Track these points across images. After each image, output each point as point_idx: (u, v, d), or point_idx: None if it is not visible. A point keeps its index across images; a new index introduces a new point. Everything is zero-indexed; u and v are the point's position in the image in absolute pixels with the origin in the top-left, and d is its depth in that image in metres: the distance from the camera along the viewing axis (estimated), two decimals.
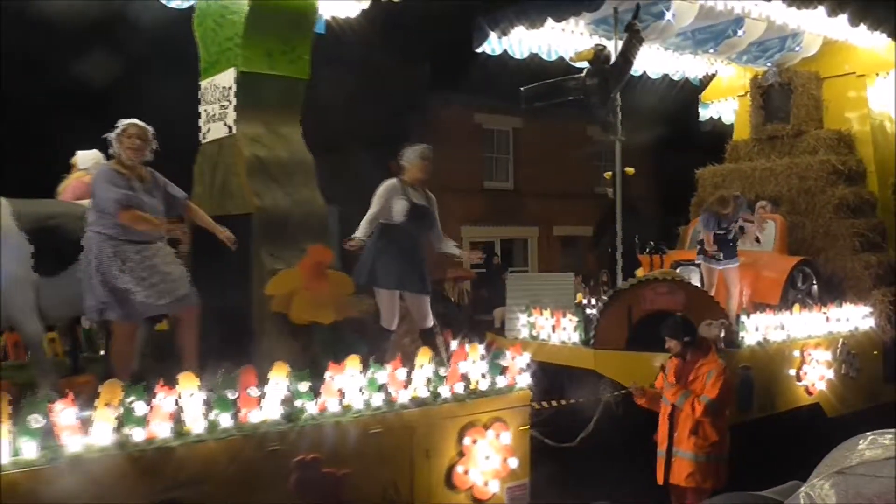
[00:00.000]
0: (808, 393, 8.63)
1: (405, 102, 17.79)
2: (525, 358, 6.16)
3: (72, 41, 14.71)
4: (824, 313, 8.98)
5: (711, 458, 5.82)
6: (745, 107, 11.72)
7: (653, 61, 11.54)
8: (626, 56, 8.72)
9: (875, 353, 9.60)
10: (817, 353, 8.69)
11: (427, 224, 6.31)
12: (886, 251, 10.23)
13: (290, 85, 6.40)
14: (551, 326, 8.62)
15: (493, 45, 9.97)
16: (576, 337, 8.37)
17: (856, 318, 9.40)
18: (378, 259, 6.28)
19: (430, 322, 6.53)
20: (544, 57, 10.44)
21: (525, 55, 10.34)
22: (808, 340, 8.66)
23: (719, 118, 12.74)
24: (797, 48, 10.63)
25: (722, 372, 5.94)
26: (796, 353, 8.53)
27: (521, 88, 9.11)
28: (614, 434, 7.84)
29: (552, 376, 9.35)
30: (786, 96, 11.00)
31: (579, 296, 10.46)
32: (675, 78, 12.06)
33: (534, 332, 8.82)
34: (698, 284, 9.75)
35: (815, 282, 9.87)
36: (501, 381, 5.97)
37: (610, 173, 10.78)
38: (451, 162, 19.06)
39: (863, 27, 9.62)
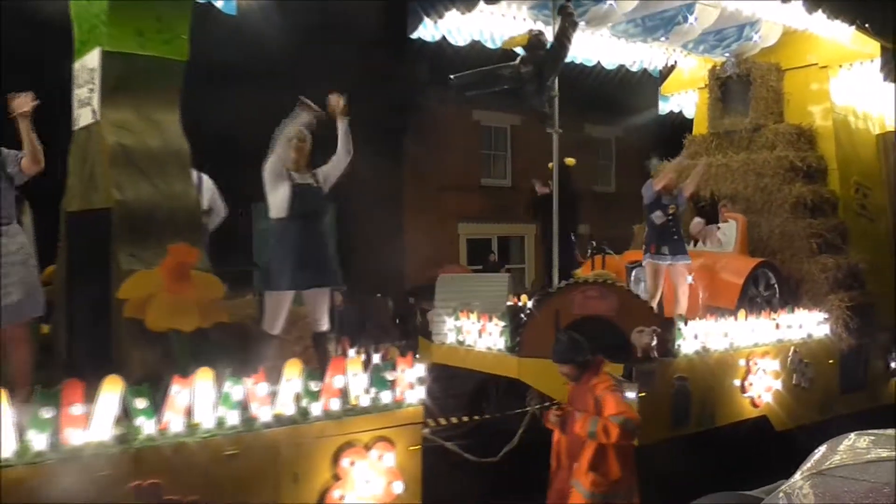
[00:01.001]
0: (754, 405, 8.05)
1: (402, 97, 17.38)
2: (418, 370, 5.59)
3: None
4: (774, 319, 8.39)
5: (609, 498, 5.10)
6: (704, 99, 11.12)
7: (607, 51, 10.95)
8: (561, 41, 8.13)
9: (830, 362, 9.02)
10: (764, 363, 8.11)
11: (321, 207, 5.72)
12: (846, 253, 9.64)
13: (165, 66, 5.79)
14: (478, 331, 8.03)
15: (429, 30, 9.35)
16: (501, 343, 7.79)
17: (810, 324, 8.81)
18: (273, 258, 5.72)
19: (325, 325, 5.93)
20: (487, 44, 9.84)
21: (465, 42, 9.73)
22: (755, 349, 8.08)
23: (681, 111, 12.14)
24: (756, 37, 10.03)
25: (614, 388, 5.32)
26: (742, 363, 7.96)
27: (452, 76, 8.51)
28: (541, 448, 7.30)
29: (481, 385, 8.86)
30: (744, 88, 10.41)
31: (524, 298, 9.87)
32: (633, 69, 11.48)
33: (460, 338, 8.24)
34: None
35: (776, 285, 9.30)
36: (388, 397, 5.41)
37: (572, 160, 10.20)
38: (448, 159, 18.90)
39: (821, 15, 9.02)
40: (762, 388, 8.06)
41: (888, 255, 10.49)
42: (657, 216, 8.49)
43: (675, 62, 11.51)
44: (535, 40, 8.26)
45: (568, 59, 10.75)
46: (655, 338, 7.17)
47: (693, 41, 10.35)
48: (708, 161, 10.27)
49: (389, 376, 5.40)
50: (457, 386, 8.92)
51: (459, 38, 9.66)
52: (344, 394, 5.21)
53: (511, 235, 20.67)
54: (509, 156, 20.69)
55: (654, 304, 8.53)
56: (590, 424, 5.17)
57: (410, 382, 5.51)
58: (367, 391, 5.26)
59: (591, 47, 10.78)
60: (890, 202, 10.61)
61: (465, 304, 8.47)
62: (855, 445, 2.69)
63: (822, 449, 2.79)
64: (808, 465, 2.65)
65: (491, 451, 7.20)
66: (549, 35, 8.49)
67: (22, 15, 9.58)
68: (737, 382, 7.93)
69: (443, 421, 6.76)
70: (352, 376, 5.26)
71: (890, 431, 3.41)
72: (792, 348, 8.50)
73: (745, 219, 9.70)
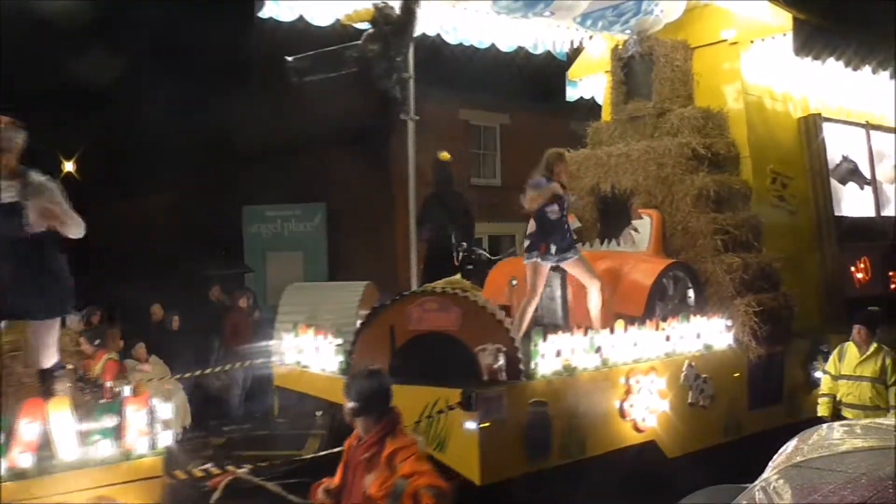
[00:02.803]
0: (637, 430, 6.96)
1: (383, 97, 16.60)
2: (162, 410, 4.50)
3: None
4: (662, 330, 7.31)
5: None
6: (610, 84, 10.03)
7: (503, 32, 9.90)
8: (405, 10, 7.04)
9: (736, 375, 7.95)
10: (649, 381, 7.02)
11: (15, 221, 4.60)
12: (759, 251, 8.56)
13: None
14: (313, 350, 6.96)
15: (280, 9, 8.24)
16: (336, 364, 6.71)
17: (710, 333, 7.74)
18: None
19: (48, 361, 4.82)
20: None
21: (328, 23, 8.62)
22: (638, 365, 7.00)
23: (592, 98, 11.07)
24: (656, 11, 8.98)
25: (421, 456, 4.10)
26: (622, 381, 6.88)
27: (288, 59, 7.41)
28: None
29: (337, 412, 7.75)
30: (648, 69, 9.32)
31: None
32: (535, 52, 10.41)
33: (299, 357, 7.16)
34: (558, 292, 8.19)
35: (690, 289, 8.22)
36: (108, 447, 4.33)
37: (447, 154, 9.10)
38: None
39: None
40: (646, 410, 6.97)
41: (811, 250, 9.44)
42: (552, 211, 7.42)
43: (581, 43, 10.46)
44: (380, 14, 7.20)
45: (455, 42, 9.76)
46: (502, 357, 6.09)
47: (591, 18, 9.33)
48: (607, 150, 9.21)
49: (108, 422, 4.30)
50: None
51: (320, 18, 8.57)
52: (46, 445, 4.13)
53: (502, 234, 19.92)
54: (499, 155, 20.46)
55: (531, 311, 7.50)
56: (393, 488, 3.94)
57: (148, 426, 4.43)
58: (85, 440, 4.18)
59: (486, 28, 9.75)
60: (813, 192, 9.54)
61: (311, 317, 7.40)
62: (827, 437, 2.64)
63: (792, 442, 2.68)
64: (779, 458, 2.60)
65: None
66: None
67: None
68: (616, 404, 6.85)
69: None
70: (57, 424, 4.17)
71: (864, 421, 3.46)
72: (687, 362, 7.42)
73: (661, 215, 8.63)
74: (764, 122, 9.25)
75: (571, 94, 11.03)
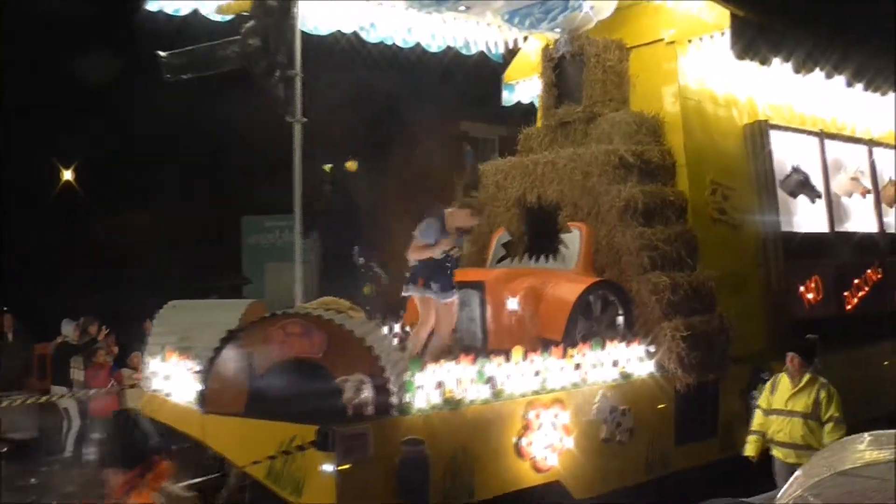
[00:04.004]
0: (537, 470, 6.20)
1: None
2: None
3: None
4: (571, 357, 6.56)
5: None
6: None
7: (430, 31, 9.20)
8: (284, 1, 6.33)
9: (661, 406, 7.19)
10: (551, 414, 6.26)
11: None
12: (692, 269, 7.81)
13: None
14: (173, 377, 6.22)
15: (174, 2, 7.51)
16: (193, 394, 5.96)
17: (630, 360, 6.99)
18: None
19: None
20: None
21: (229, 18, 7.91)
22: (539, 396, 6.24)
23: (531, 102, 10.34)
24: (586, 8, 8.23)
25: None
26: (519, 415, 6.12)
27: (161, 55, 6.68)
28: None
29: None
30: (579, 71, 8.60)
31: None
32: (467, 52, 9.69)
33: (164, 384, 6.42)
34: (477, 313, 7.49)
35: (620, 311, 7.47)
36: None
37: (353, 163, 8.39)
38: (435, 170, 17.34)
39: None
40: (548, 447, 6.21)
41: (755, 268, 8.70)
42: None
43: (515, 42, 9.76)
44: (259, 5, 6.46)
45: (375, 40, 9.08)
46: (367, 389, 5.35)
47: (518, 15, 8.65)
48: (534, 158, 8.49)
49: None
50: None
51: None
52: None
53: None
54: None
55: (424, 333, 6.82)
56: None
57: None
58: None
59: (410, 26, 9.05)
60: (759, 205, 8.80)
61: (183, 339, 6.66)
62: (875, 445, 2.60)
63: (832, 451, 2.77)
64: (819, 466, 2.60)
65: None
66: None
67: None
68: (513, 441, 6.09)
69: None
70: None
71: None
72: (600, 392, 6.66)
73: (590, 228, 7.90)
74: (704, 129, 8.52)
75: (508, 98, 10.30)
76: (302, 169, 6.81)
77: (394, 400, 5.48)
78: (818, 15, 9.42)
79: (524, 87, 10.18)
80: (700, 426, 7.55)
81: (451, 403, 5.77)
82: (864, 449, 2.64)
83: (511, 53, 10.02)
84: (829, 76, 9.27)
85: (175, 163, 18.39)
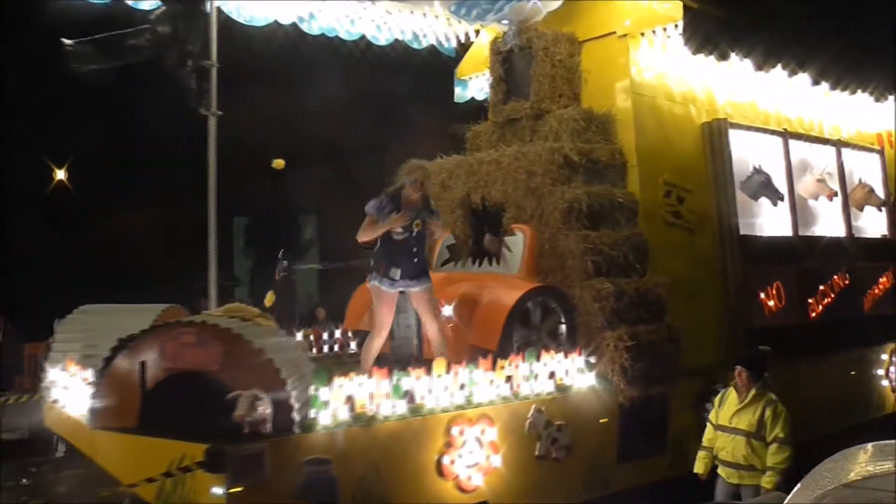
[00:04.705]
0: (462, 490, 5.77)
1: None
2: None
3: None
4: (501, 369, 6.12)
5: None
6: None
7: (375, 22, 8.77)
8: None
9: (602, 421, 6.75)
10: (477, 430, 5.83)
11: None
12: (642, 274, 7.38)
13: None
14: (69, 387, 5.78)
15: None
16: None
17: (568, 372, 6.56)
18: None
19: None
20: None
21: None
22: (463, 412, 5.80)
23: (485, 99, 9.89)
24: None
25: None
26: (441, 431, 5.69)
27: (66, 43, 6.22)
28: None
29: None
30: (528, 65, 8.17)
31: None
32: (417, 46, 9.26)
33: (60, 394, 5.97)
34: (413, 321, 7.08)
35: (561, 319, 7.03)
36: None
37: (281, 161, 7.94)
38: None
39: None
40: (471, 466, 5.78)
41: (712, 274, 8.27)
42: (395, 231, 6.34)
43: (467, 36, 9.33)
44: None
45: (316, 32, 8.66)
46: (262, 405, 4.90)
47: (465, 6, 8.26)
48: (479, 157, 8.07)
49: None
50: None
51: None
52: None
53: None
54: None
55: (376, 346, 6.40)
56: None
57: None
58: None
59: (353, 17, 8.64)
60: (717, 208, 8.38)
61: (88, 347, 6.21)
62: (879, 457, 2.53)
63: (833, 462, 2.56)
64: (821, 479, 2.47)
65: None
66: None
67: None
68: (433, 459, 5.65)
69: None
70: None
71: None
72: (533, 407, 6.22)
73: (534, 231, 7.47)
74: (658, 127, 8.09)
75: (461, 94, 9.86)
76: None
77: (295, 416, 5.05)
78: (781, 10, 9.00)
79: (477, 82, 9.75)
80: (646, 442, 7.12)
81: (363, 420, 5.33)
82: (869, 460, 2.61)
83: (464, 48, 9.59)
84: (792, 74, 8.86)
85: (172, 162, 18.02)
